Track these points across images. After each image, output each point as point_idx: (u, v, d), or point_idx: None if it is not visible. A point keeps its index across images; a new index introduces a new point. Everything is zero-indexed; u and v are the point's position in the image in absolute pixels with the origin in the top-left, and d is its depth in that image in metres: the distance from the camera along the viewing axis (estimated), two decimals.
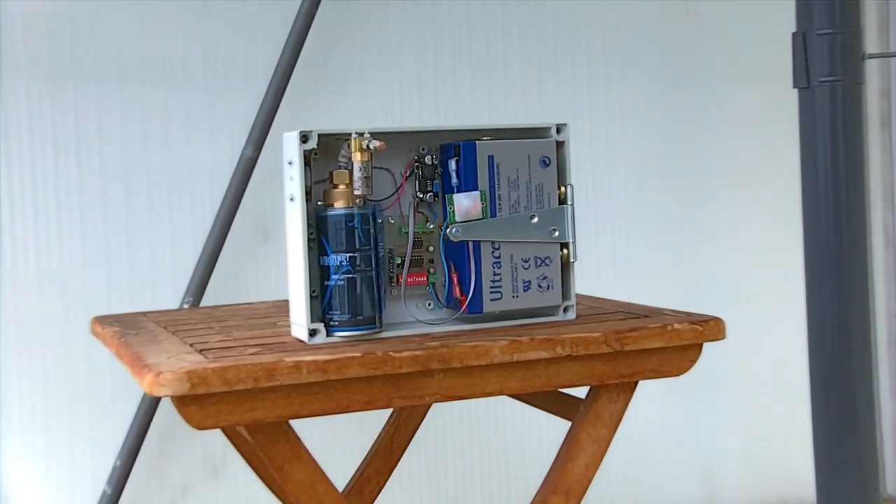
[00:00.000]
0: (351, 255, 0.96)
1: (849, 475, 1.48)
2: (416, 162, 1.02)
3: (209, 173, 1.74)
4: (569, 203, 1.03)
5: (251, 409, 0.88)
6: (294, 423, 0.92)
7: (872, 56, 1.58)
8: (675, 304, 1.18)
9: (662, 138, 2.04)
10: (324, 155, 0.98)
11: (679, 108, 2.04)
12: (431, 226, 1.02)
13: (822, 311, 1.51)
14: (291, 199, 0.97)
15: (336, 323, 0.96)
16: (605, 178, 2.01)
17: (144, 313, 1.24)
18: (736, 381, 2.09)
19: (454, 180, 1.00)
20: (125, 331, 1.09)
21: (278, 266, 1.76)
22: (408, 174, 1.02)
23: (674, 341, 0.99)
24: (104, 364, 1.67)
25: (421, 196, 1.01)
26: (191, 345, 0.98)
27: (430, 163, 1.01)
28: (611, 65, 1.99)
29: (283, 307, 1.23)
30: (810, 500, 1.70)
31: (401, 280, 1.00)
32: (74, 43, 1.67)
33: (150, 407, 1.66)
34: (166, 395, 0.85)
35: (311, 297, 0.96)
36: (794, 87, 1.54)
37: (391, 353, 0.90)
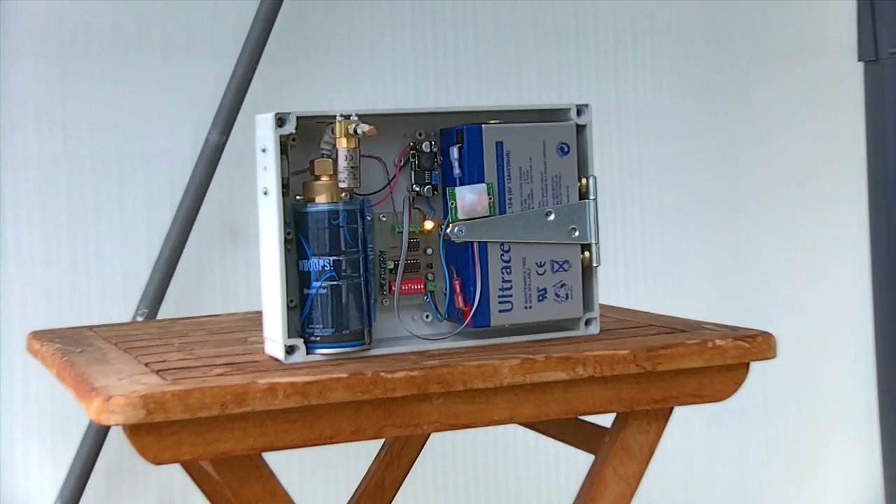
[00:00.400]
0: (335, 258, 0.96)
1: None
2: (411, 149, 1.02)
3: (168, 162, 1.75)
4: (591, 197, 1.04)
5: (217, 441, 0.88)
6: (268, 456, 0.93)
7: None
8: (716, 316, 1.19)
9: (702, 122, 2.04)
10: (303, 141, 0.99)
11: (723, 87, 2.05)
12: (430, 224, 1.03)
13: (891, 323, 1.51)
14: (265, 193, 0.98)
15: (318, 338, 0.97)
16: (635, 168, 2.01)
17: (91, 327, 1.25)
18: (789, 407, 2.09)
19: (456, 171, 1.01)
20: (68, 348, 1.10)
21: (249, 272, 1.76)
22: (402, 164, 1.02)
23: (715, 360, 1.00)
24: (42, 387, 1.68)
25: (417, 189, 1.02)
26: (146, 364, 0.98)
27: (429, 150, 1.02)
28: (642, 35, 2.00)
29: (255, 320, 1.24)
30: None
31: (394, 288, 1.01)
32: (4, 6, 1.68)
33: (97, 438, 1.66)
34: (117, 424, 0.85)
35: (288, 307, 0.97)
36: (860, 60, 1.55)
37: (382, 373, 0.91)
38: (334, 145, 0.96)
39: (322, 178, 0.97)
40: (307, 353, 0.97)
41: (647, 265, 2.01)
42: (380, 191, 1.01)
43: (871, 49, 1.52)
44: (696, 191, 2.04)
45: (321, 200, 0.97)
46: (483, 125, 1.01)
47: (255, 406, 0.88)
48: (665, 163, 2.02)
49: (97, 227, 1.71)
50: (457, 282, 1.02)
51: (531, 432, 1.22)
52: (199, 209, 1.71)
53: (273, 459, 0.94)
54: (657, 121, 2.01)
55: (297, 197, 0.98)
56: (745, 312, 1.99)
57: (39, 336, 1.19)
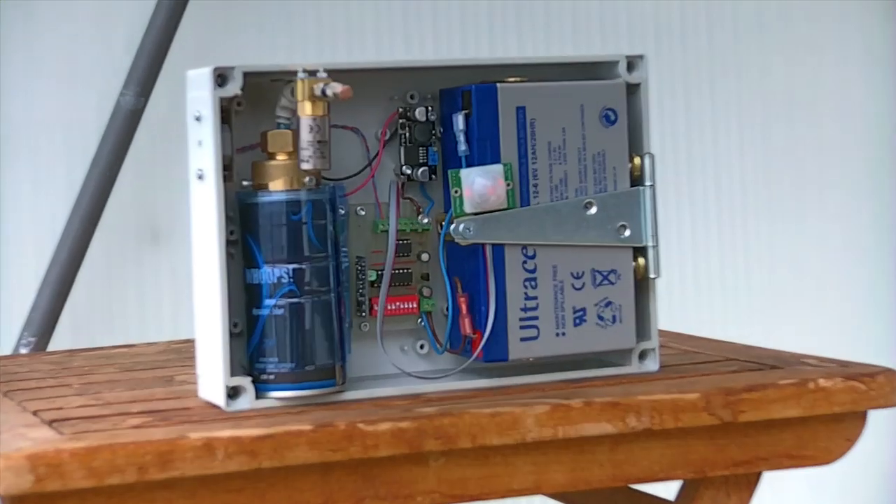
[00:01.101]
0: (296, 266, 0.97)
1: None
2: (400, 118, 1.02)
3: (64, 134, 1.75)
4: (647, 183, 1.04)
5: None
6: None
7: None
8: (820, 347, 1.19)
9: (802, 79, 2.04)
10: (253, 107, 0.99)
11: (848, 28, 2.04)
12: (426, 220, 1.03)
13: None
14: (200, 177, 0.98)
15: (272, 377, 0.97)
16: (709, 141, 2.02)
17: None
18: None
19: (462, 147, 1.01)
20: None
21: (176, 285, 1.77)
22: (388, 137, 1.02)
23: (820, 407, 1.00)
24: None
25: (409, 173, 1.02)
26: (34, 413, 0.98)
27: (424, 119, 1.02)
28: None
29: (183, 351, 1.24)
30: None
31: (376, 308, 1.01)
32: None
33: None
34: None
35: (230, 334, 0.97)
36: None
37: (360, 425, 0.91)
38: (295, 112, 0.96)
39: (278, 157, 0.97)
40: (257, 398, 0.97)
41: (725, 276, 2.01)
42: (357, 174, 1.02)
43: None
44: (796, 173, 2.04)
45: (277, 187, 0.97)
46: (499, 84, 1.01)
47: (185, 470, 0.88)
48: (754, 135, 2.02)
49: None
50: (462, 299, 1.02)
51: None
52: (107, 199, 1.72)
53: None
54: (739, 77, 2.01)
55: (244, 183, 0.99)
56: (862, 342, 2.00)
57: None
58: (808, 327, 2.02)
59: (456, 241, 1.00)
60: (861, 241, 2.07)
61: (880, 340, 2.05)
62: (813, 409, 0.99)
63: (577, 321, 1.03)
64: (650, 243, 1.04)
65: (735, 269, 2.02)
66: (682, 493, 1.04)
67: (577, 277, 1.03)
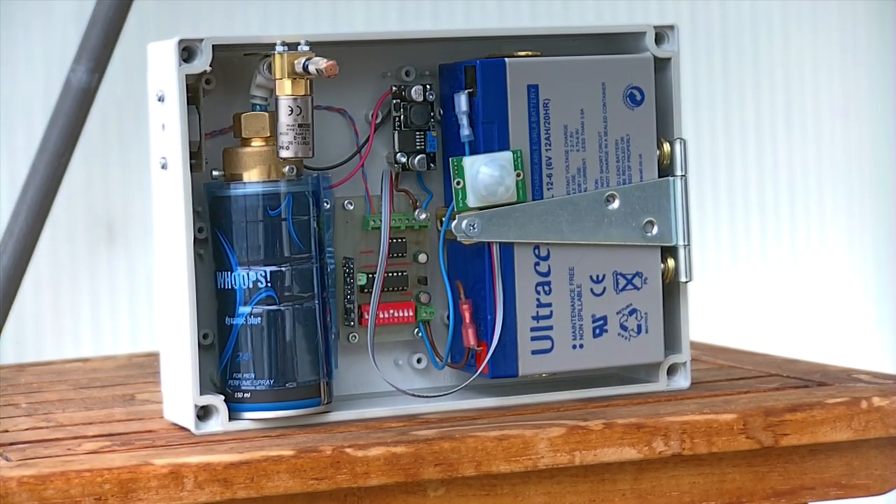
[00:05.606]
0: (274, 269, 0.97)
1: None
2: (394, 97, 1.03)
3: (6, 116, 1.75)
4: (679, 173, 1.05)
5: None
6: None
7: None
8: (876, 361, 1.19)
9: (858, 51, 2.05)
10: (224, 85, 1.00)
11: None
12: (424, 216, 1.04)
13: None
14: (163, 167, 0.99)
15: (247, 395, 0.98)
16: (751, 125, 2.01)
17: None
18: None
19: (465, 131, 1.01)
20: None
21: (136, 290, 1.77)
22: (379, 121, 1.03)
23: (873, 430, 1.00)
24: None
25: (404, 161, 1.03)
26: None
27: (422, 99, 1.03)
28: None
29: (146, 366, 1.25)
30: None
31: (367, 316, 1.02)
32: None
33: None
34: None
35: (200, 347, 0.98)
36: None
37: (349, 450, 0.92)
38: (272, 91, 0.97)
39: (253, 144, 0.98)
40: (230, 419, 0.98)
41: (767, 280, 2.01)
42: (345, 163, 1.03)
43: None
44: (856, 161, 2.04)
45: (252, 178, 0.98)
46: (507, 59, 1.01)
47: (148, 501, 0.88)
48: (803, 111, 2.01)
49: None
50: (465, 306, 1.03)
51: None
52: (56, 192, 1.72)
53: None
54: (785, 48, 2.01)
55: (215, 172, 0.99)
56: None
57: None
58: (863, 338, 2.01)
59: (458, 239, 1.01)
60: None
61: None
62: (865, 431, 1.00)
63: (597, 331, 1.03)
64: (681, 242, 1.05)
65: (780, 273, 2.01)
66: None
67: (597, 281, 1.03)
